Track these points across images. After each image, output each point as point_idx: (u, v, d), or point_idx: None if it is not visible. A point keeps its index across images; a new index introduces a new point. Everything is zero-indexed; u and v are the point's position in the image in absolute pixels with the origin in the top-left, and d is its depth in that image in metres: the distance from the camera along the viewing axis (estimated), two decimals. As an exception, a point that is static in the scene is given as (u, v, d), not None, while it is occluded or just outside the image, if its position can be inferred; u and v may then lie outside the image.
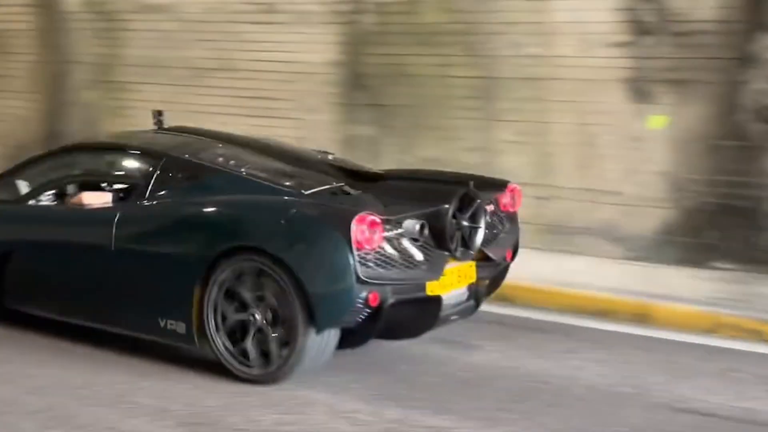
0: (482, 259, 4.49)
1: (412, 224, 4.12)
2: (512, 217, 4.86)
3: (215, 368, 4.32)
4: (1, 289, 4.86)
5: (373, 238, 3.87)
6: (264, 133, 7.42)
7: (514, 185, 4.88)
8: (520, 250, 4.91)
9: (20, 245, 4.81)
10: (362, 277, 3.84)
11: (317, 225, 3.96)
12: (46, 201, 4.94)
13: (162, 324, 4.28)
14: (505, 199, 4.82)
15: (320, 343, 4.01)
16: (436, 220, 4.18)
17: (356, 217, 3.85)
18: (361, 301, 3.89)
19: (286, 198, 4.24)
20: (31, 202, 4.93)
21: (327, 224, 3.91)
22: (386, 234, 4.01)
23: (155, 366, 4.53)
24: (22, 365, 4.57)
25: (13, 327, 5.07)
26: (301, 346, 3.95)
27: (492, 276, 4.64)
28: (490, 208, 4.66)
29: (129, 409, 4.00)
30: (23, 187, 5.02)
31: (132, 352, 4.70)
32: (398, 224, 4.11)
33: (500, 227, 4.74)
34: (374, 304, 3.90)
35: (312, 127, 7.67)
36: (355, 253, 3.81)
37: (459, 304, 4.40)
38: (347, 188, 4.52)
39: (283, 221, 4.01)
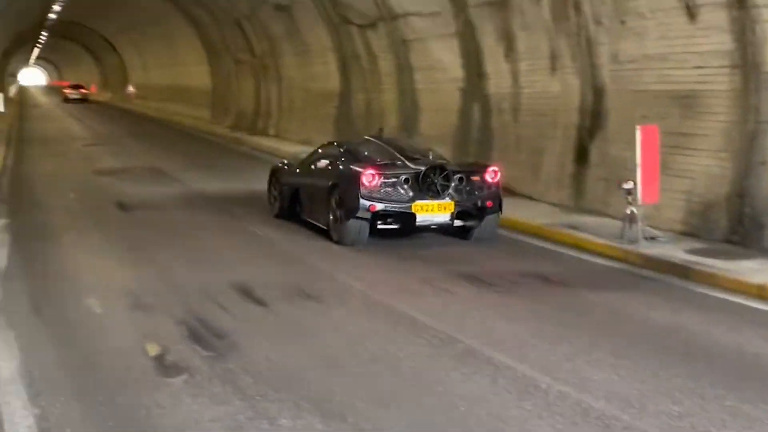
0: (458, 201, 9.40)
1: (401, 178, 9.08)
2: (495, 185, 9.58)
3: None
4: (301, 208, 10.82)
5: (373, 182, 8.87)
6: None
7: (494, 167, 9.73)
8: None
9: (302, 185, 10.71)
10: (364, 199, 8.87)
11: (352, 174, 9.05)
12: (313, 166, 10.78)
13: (326, 219, 9.72)
14: (487, 175, 9.53)
15: (355, 227, 9.10)
16: (415, 175, 9.18)
17: (363, 171, 8.87)
18: (365, 208, 8.89)
19: (356, 161, 9.74)
20: (310, 166, 10.96)
21: (354, 173, 8.95)
22: (386, 180, 9.02)
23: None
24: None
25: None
26: (343, 227, 9.06)
27: (465, 211, 9.45)
28: (476, 178, 9.53)
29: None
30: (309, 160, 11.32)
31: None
32: (396, 176, 9.16)
33: (481, 190, 9.51)
34: (373, 210, 8.86)
35: None
36: (362, 188, 8.82)
37: (440, 222, 9.17)
38: (399, 162, 9.58)
39: (341, 172, 9.31)
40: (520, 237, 10.90)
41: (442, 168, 9.60)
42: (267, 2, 24.12)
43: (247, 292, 8.03)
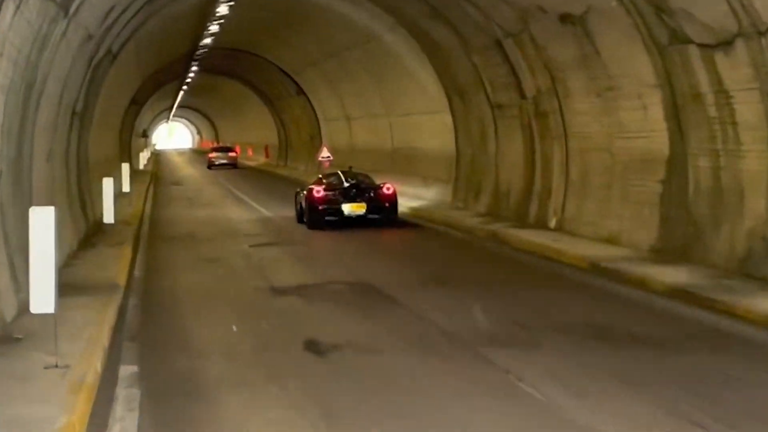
0: (369, 203, 31.36)
1: (337, 191, 31.22)
2: (391, 195, 31.46)
3: None
4: (301, 214, 32.97)
5: (320, 195, 30.84)
6: None
7: (388, 185, 31.84)
8: None
9: (302, 201, 32.84)
10: (316, 204, 30.73)
11: (309, 190, 31.57)
12: (305, 190, 33.54)
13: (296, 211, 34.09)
14: (385, 189, 31.48)
15: (313, 218, 31.03)
16: (346, 190, 31.43)
17: (312, 189, 31.36)
18: (317, 208, 30.82)
19: (319, 184, 32.16)
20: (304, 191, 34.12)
21: (310, 190, 31.42)
22: (328, 192, 31.03)
23: None
24: None
25: None
26: (309, 219, 31.17)
27: (374, 208, 31.06)
28: (380, 191, 31.49)
29: None
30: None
31: None
32: (335, 191, 31.29)
33: (383, 198, 31.34)
34: (321, 209, 30.60)
35: None
36: (313, 198, 30.97)
37: (358, 214, 30.71)
38: (339, 183, 31.68)
39: (309, 190, 31.67)
40: None
41: (357, 185, 30.69)
42: (546, 11, 24.74)
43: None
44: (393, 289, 19.20)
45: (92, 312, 15.87)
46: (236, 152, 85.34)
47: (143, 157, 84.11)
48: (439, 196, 36.43)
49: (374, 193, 31.14)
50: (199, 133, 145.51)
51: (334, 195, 30.78)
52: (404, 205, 35.89)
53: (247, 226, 32.60)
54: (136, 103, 60.97)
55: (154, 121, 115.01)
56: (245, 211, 38.77)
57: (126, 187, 42.48)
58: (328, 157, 55.90)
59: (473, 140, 33.97)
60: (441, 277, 20.83)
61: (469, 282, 20.22)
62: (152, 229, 32.07)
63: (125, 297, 18.56)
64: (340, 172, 32.87)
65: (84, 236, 26.76)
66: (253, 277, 21.45)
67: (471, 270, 22.05)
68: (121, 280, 19.95)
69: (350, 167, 35.40)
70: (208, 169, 77.95)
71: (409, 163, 41.72)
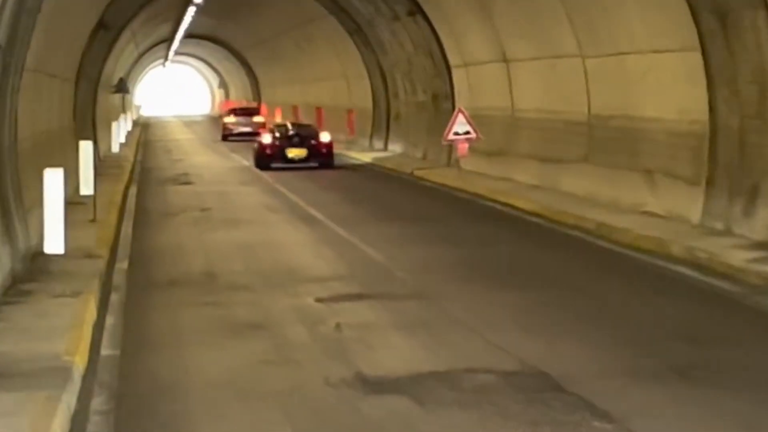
0: (310, 149, 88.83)
1: (283, 138, 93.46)
2: (328, 143, 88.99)
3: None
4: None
5: (268, 143, 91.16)
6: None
7: (325, 133, 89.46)
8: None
9: (257, 146, 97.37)
10: (265, 149, 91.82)
11: (259, 137, 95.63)
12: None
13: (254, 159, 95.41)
14: (322, 137, 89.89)
15: (261, 162, 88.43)
16: (289, 137, 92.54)
17: (263, 136, 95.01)
18: (265, 153, 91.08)
19: (269, 132, 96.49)
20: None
21: (263, 136, 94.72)
22: (275, 138, 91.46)
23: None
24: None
25: None
26: (257, 162, 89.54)
27: (314, 154, 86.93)
28: (319, 139, 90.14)
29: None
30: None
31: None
32: (282, 139, 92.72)
33: (319, 146, 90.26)
34: (269, 154, 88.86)
35: None
36: (263, 146, 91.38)
37: (300, 159, 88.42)
38: (285, 131, 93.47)
39: (259, 138, 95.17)
40: None
41: (298, 134, 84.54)
42: None
43: None
44: (588, 385, 18.72)
45: (22, 422, 15.68)
46: (263, 116, 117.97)
47: (120, 131, 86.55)
48: (675, 208, 34.84)
49: (315, 141, 69.68)
50: (222, 86, 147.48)
51: (280, 142, 68.84)
52: (611, 224, 36.10)
53: (313, 261, 32.30)
54: (107, 29, 61.76)
55: (140, 64, 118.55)
56: (311, 234, 38.72)
57: (87, 188, 41.89)
58: (468, 133, 52.58)
59: (743, 103, 31.63)
60: (679, 364, 20.06)
61: (735, 373, 19.52)
62: (137, 266, 31.47)
63: (84, 395, 18.23)
64: (288, 123, 73.90)
65: (9, 277, 26.39)
66: (326, 359, 21.04)
67: (738, 353, 20.83)
68: (79, 361, 19.49)
69: (295, 119, 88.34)
70: (222, 140, 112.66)
71: (620, 145, 40.03)
